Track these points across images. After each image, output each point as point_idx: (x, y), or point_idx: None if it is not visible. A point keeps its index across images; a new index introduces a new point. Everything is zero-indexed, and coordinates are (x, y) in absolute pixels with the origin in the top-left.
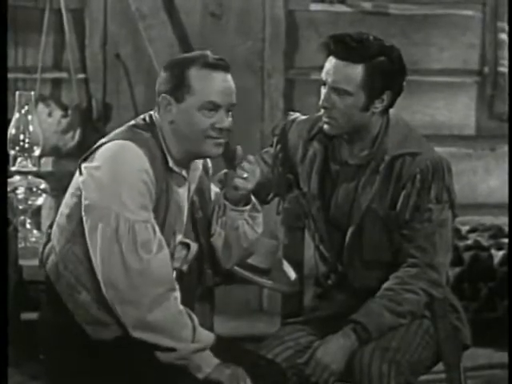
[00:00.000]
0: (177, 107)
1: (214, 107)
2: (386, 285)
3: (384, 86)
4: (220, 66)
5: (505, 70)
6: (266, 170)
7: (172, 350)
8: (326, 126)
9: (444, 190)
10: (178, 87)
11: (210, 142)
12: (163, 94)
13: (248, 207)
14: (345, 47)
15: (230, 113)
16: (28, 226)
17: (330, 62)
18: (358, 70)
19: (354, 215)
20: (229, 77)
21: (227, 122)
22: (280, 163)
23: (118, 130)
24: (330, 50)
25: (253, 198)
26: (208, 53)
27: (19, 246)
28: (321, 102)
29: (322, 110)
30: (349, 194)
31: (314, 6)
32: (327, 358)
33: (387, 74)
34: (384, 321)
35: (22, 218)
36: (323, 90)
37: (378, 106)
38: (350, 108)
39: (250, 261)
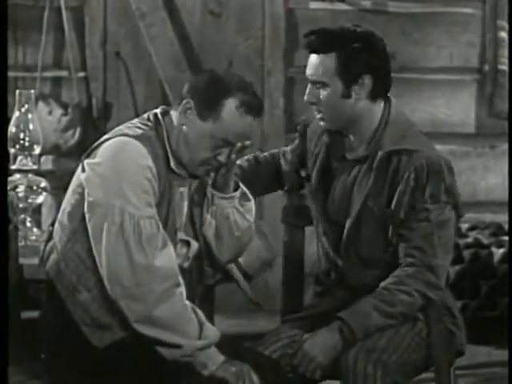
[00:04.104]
0: (194, 120)
1: (226, 144)
2: (383, 283)
3: (360, 70)
4: (256, 110)
5: (505, 68)
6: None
7: (177, 346)
8: (321, 123)
9: (442, 190)
10: (208, 109)
11: (203, 167)
12: (190, 100)
13: (237, 193)
14: (317, 40)
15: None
16: (28, 224)
17: (309, 58)
18: (330, 59)
19: (351, 211)
20: (256, 122)
21: (227, 157)
22: (296, 157)
23: (120, 127)
24: (308, 48)
25: (243, 187)
26: (251, 87)
27: (19, 244)
28: (305, 98)
29: (313, 107)
30: (346, 190)
31: (313, 4)
32: (314, 350)
33: (362, 59)
34: (371, 322)
35: (23, 216)
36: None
37: (360, 91)
38: (331, 98)
39: (242, 264)
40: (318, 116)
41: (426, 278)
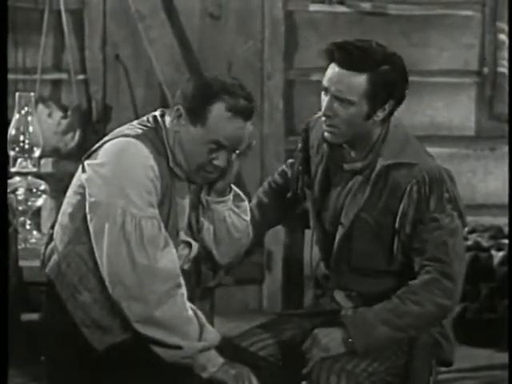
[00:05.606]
0: (186, 126)
1: (219, 147)
2: (399, 291)
3: (387, 95)
4: (245, 114)
5: (504, 70)
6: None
7: (177, 347)
8: (327, 135)
9: (446, 199)
10: (196, 114)
11: (201, 173)
12: (181, 108)
13: (230, 195)
14: (349, 56)
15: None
16: (28, 227)
17: (333, 70)
18: (361, 80)
19: (343, 222)
20: (247, 124)
21: (225, 161)
22: (299, 162)
23: (121, 128)
24: (333, 58)
25: (236, 188)
26: (242, 89)
27: (19, 247)
28: (323, 110)
29: (324, 118)
30: (339, 200)
31: (313, 7)
32: (326, 339)
33: (390, 83)
34: (375, 337)
35: (22, 219)
36: (324, 97)
37: (380, 115)
38: (352, 117)
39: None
40: (328, 129)
41: (442, 285)
